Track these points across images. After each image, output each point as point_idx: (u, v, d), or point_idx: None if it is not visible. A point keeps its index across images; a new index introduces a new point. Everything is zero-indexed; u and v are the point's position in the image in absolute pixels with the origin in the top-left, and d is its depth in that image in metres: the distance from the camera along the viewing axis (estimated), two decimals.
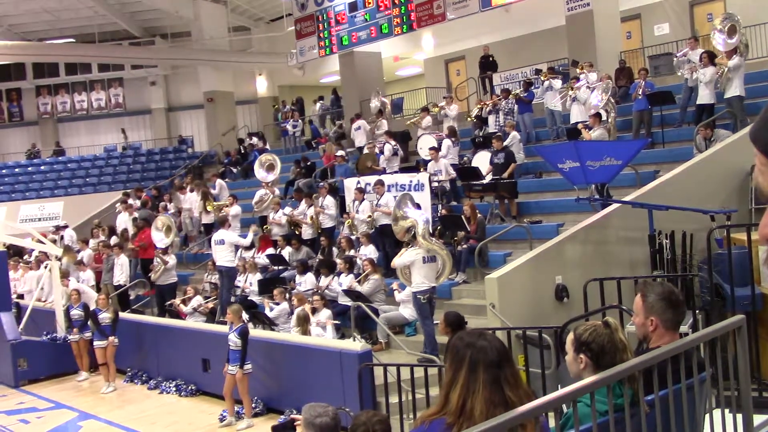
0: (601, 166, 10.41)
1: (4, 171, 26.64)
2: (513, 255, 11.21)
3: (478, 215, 11.98)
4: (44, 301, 14.82)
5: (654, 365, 2.93)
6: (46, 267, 14.84)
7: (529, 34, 20.18)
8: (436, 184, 13.68)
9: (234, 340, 9.25)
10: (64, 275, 14.38)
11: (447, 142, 15.02)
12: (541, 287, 9.79)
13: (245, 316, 9.97)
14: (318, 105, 24.92)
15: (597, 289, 8.87)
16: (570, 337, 3.12)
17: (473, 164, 14.18)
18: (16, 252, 17.57)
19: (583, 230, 10.29)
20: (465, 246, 11.57)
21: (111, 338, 11.85)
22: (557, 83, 15.32)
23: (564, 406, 2.81)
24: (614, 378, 2.79)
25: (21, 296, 15.98)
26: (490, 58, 19.92)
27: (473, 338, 2.64)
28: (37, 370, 12.97)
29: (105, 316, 11.94)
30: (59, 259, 14.40)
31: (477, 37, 20.94)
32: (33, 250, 16.47)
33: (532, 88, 16.42)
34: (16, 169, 26.75)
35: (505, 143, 13.81)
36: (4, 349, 12.93)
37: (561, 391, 2.63)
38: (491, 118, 16.02)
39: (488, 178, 13.45)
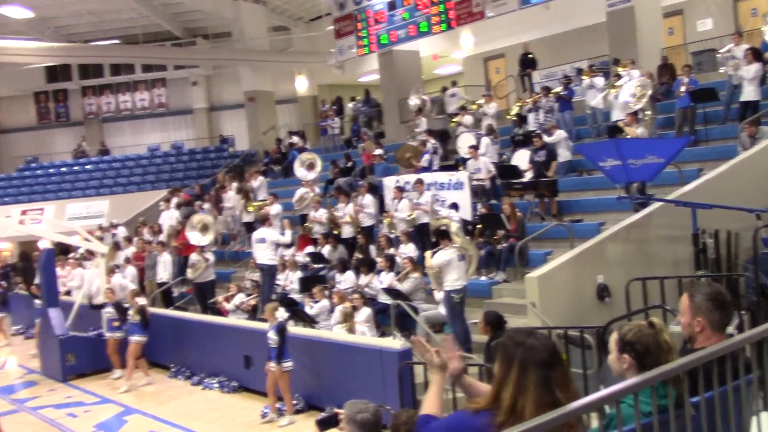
0: (643, 164, 10.29)
1: (51, 170, 27.28)
2: (553, 254, 11.14)
3: (518, 214, 11.93)
4: (90, 298, 15.14)
5: (699, 366, 2.91)
6: (95, 265, 15.13)
7: (569, 31, 20.00)
8: (475, 182, 13.65)
9: (272, 337, 9.40)
10: (110, 272, 14.69)
11: (486, 140, 14.98)
12: (582, 286, 9.72)
13: (283, 313, 10.08)
14: (351, 105, 25.02)
15: (639, 289, 8.79)
16: (614, 336, 3.11)
17: (513, 162, 14.12)
18: (63, 250, 17.98)
19: (624, 229, 10.19)
20: (505, 245, 11.53)
21: (134, 336, 12.12)
22: (599, 81, 15.16)
23: (607, 407, 2.81)
24: (658, 379, 2.77)
25: (68, 292, 16.35)
26: (530, 56, 19.79)
27: (523, 337, 2.64)
28: (84, 365, 13.26)
29: (131, 313, 12.20)
30: (104, 257, 14.69)
31: (516, 34, 20.81)
32: (79, 247, 16.83)
33: (572, 85, 16.27)
34: (63, 169, 27.36)
35: (550, 140, 13.72)
36: (53, 344, 13.25)
37: (604, 392, 2.63)
38: (531, 116, 15.93)
39: (528, 177, 13.38)
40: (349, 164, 18.36)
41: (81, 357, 13.25)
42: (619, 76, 14.30)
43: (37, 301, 15.63)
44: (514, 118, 16.62)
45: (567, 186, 13.46)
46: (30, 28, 26.20)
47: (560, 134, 14.04)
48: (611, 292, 9.66)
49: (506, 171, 13.79)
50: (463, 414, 2.67)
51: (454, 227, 10.09)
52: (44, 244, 14.71)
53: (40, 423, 10.65)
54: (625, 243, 10.20)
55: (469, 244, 10.27)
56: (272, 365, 9.45)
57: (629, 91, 13.31)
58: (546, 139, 13.77)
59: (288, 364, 9.44)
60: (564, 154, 13.89)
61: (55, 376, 13.24)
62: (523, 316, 9.71)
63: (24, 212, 23.37)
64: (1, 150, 30.64)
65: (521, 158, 13.99)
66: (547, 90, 15.90)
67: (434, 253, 10.07)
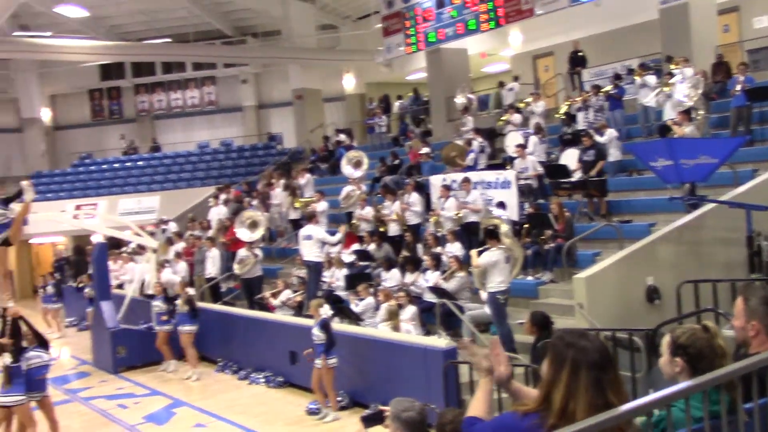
0: (696, 164, 10.09)
1: (104, 166, 27.88)
2: (602, 255, 10.98)
3: (566, 213, 11.79)
4: (141, 292, 15.45)
5: (754, 372, 2.84)
6: (146, 260, 15.42)
7: (621, 28, 19.66)
8: (522, 181, 13.54)
9: (317, 333, 9.48)
10: (161, 267, 14.97)
11: (534, 139, 14.85)
12: (632, 288, 9.58)
13: (327, 310, 10.14)
14: (398, 103, 25.02)
15: (691, 292, 8.62)
16: (667, 339, 3.05)
17: (561, 161, 13.97)
18: (115, 244, 18.37)
19: (676, 230, 10.00)
20: (552, 245, 11.41)
21: (185, 327, 12.32)
22: (651, 79, 14.89)
23: (656, 411, 2.76)
24: (711, 384, 2.72)
25: (120, 286, 16.70)
26: (580, 54, 19.54)
27: (574, 338, 2.60)
28: (134, 358, 13.54)
29: (179, 303, 12.40)
30: (155, 252, 14.97)
31: (566, 32, 20.56)
32: (131, 242, 17.17)
33: (623, 84, 16.01)
34: (116, 165, 27.93)
35: (602, 140, 13.53)
36: (105, 336, 13.57)
37: (655, 395, 2.59)
38: (580, 115, 15.74)
39: (577, 176, 13.22)
40: (396, 162, 18.36)
41: (131, 349, 13.54)
42: (671, 75, 14.03)
43: (87, 290, 16.03)
44: (563, 117, 16.43)
45: (617, 186, 13.26)
46: (85, 26, 26.84)
47: (611, 133, 13.84)
48: (661, 294, 9.49)
49: (554, 170, 13.65)
50: (510, 416, 2.65)
51: (505, 228, 10.02)
52: (97, 239, 15.03)
53: (91, 413, 10.91)
54: (676, 244, 10.01)
55: (517, 247, 10.18)
56: (317, 361, 9.53)
57: (683, 90, 13.06)
58: (598, 138, 13.59)
59: (332, 361, 9.51)
60: (614, 154, 13.69)
61: (107, 367, 13.55)
62: (570, 317, 9.60)
63: (78, 207, 23.92)
64: (57, 146, 31.44)
65: (570, 157, 13.84)
66: (597, 88, 15.68)
67: (481, 252, 10.02)
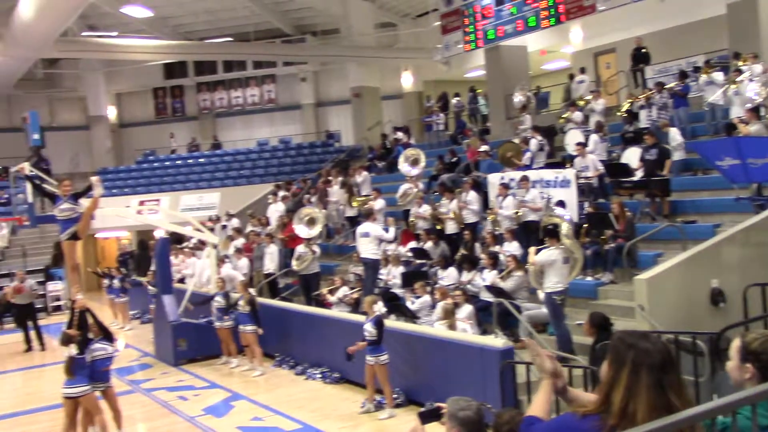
0: (765, 163, 9.78)
1: (167, 163, 28.52)
2: (664, 256, 10.74)
3: (627, 213, 11.57)
4: (201, 287, 15.75)
5: None
6: (207, 255, 15.71)
7: (686, 24, 19.18)
8: (582, 180, 13.33)
9: (369, 329, 9.51)
10: (221, 262, 15.23)
11: (594, 138, 14.61)
12: (695, 290, 9.35)
13: (381, 307, 10.18)
14: (455, 101, 24.90)
15: (758, 295, 8.38)
16: (736, 343, 2.96)
17: (623, 160, 13.69)
18: (177, 239, 18.78)
19: (743, 231, 9.73)
20: (612, 245, 11.21)
21: (243, 326, 12.49)
22: (719, 76, 14.48)
23: (720, 417, 2.69)
24: None
25: (182, 280, 17.06)
26: (643, 50, 19.13)
27: (636, 339, 2.56)
28: (195, 351, 13.81)
29: (241, 303, 12.56)
30: (215, 247, 15.23)
31: (628, 28, 20.14)
32: (192, 237, 17.52)
33: (689, 81, 15.61)
34: (178, 162, 28.54)
35: (669, 147, 13.16)
36: (166, 329, 13.88)
37: (721, 401, 2.53)
38: (643, 113, 15.41)
39: (639, 175, 12.95)
40: (454, 160, 18.30)
41: (192, 343, 13.81)
42: (739, 71, 13.62)
43: (151, 288, 16.42)
44: (625, 115, 16.11)
45: (680, 185, 12.93)
46: (150, 26, 27.48)
47: (675, 137, 13.46)
48: (726, 297, 9.23)
49: (615, 169, 13.40)
50: (569, 417, 2.62)
51: (565, 228, 9.89)
52: (160, 234, 15.38)
53: (153, 404, 11.17)
54: (743, 246, 9.73)
55: (577, 248, 10.04)
56: (369, 358, 9.58)
57: (753, 87, 12.68)
58: (672, 147, 13.13)
59: (384, 357, 9.53)
60: (678, 153, 13.34)
61: (168, 360, 13.86)
62: (630, 318, 9.43)
63: (141, 203, 24.50)
64: (122, 143, 32.28)
65: (631, 156, 13.56)
66: (660, 85, 15.32)
67: (539, 250, 9.92)
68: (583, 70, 20.68)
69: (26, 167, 11.95)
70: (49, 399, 11.33)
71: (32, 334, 16.30)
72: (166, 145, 30.85)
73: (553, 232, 9.88)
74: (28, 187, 15.08)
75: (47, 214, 18.34)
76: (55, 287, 21.90)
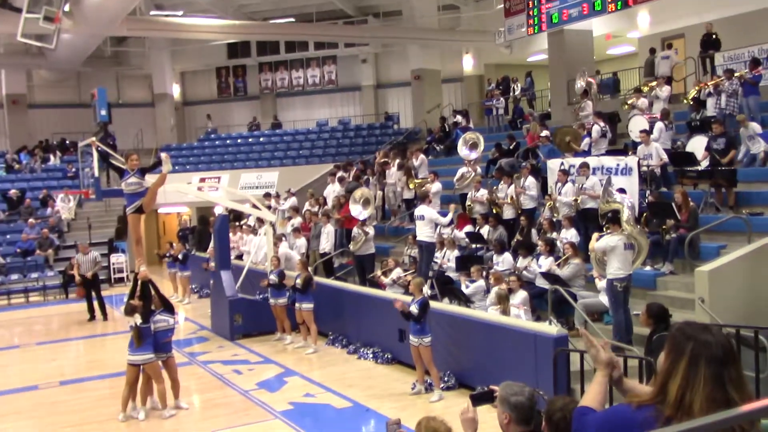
0: None
1: (228, 141, 28.96)
2: (728, 248, 10.46)
3: (691, 203, 11.29)
4: (257, 263, 16.00)
5: None
6: (264, 233, 15.94)
7: (760, 9, 18.49)
8: (645, 168, 13.05)
9: (414, 311, 9.53)
10: (277, 241, 15.43)
11: (659, 125, 14.26)
12: (759, 284, 9.09)
13: (427, 290, 10.18)
14: (514, 86, 24.63)
15: None
16: None
17: (688, 149, 13.36)
18: (236, 216, 19.08)
19: None
20: (674, 235, 10.97)
21: (299, 304, 12.63)
22: None
23: None
24: None
25: (240, 257, 17.35)
26: (713, 36, 18.54)
27: (696, 331, 2.51)
28: (250, 326, 14.05)
29: (298, 282, 12.70)
30: (273, 226, 15.44)
31: (698, 13, 19.55)
32: (250, 215, 17.78)
33: (761, 68, 15.07)
34: (239, 140, 28.95)
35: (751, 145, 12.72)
36: (223, 304, 14.15)
37: None
38: (710, 101, 14.96)
39: (704, 165, 12.61)
40: (513, 145, 18.11)
41: (247, 318, 14.06)
42: None
43: (211, 263, 16.73)
44: (691, 103, 15.68)
45: (747, 176, 12.53)
46: (215, 6, 27.82)
47: (755, 126, 12.99)
48: None
49: (680, 158, 13.07)
50: (624, 408, 2.58)
51: (626, 214, 9.72)
52: (219, 211, 15.65)
53: (208, 376, 11.43)
54: None
55: (640, 235, 9.86)
56: (413, 339, 9.63)
57: None
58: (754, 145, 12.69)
59: (427, 340, 9.55)
60: (756, 146, 12.85)
61: (224, 334, 14.15)
62: (689, 311, 9.23)
63: (202, 180, 24.98)
64: (185, 121, 32.89)
65: (697, 145, 13.21)
66: (730, 73, 14.84)
67: (601, 236, 9.78)
68: (669, 46, 20.05)
69: (94, 142, 12.29)
70: (110, 367, 11.71)
71: (95, 304, 16.80)
72: (228, 123, 31.32)
73: (614, 218, 9.72)
74: (95, 161, 15.48)
75: (113, 188, 18.87)
76: (118, 259, 22.52)
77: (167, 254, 19.61)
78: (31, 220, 22.81)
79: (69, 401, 10.53)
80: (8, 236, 22.70)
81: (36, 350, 14.50)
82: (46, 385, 11.38)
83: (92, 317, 16.74)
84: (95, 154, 14.62)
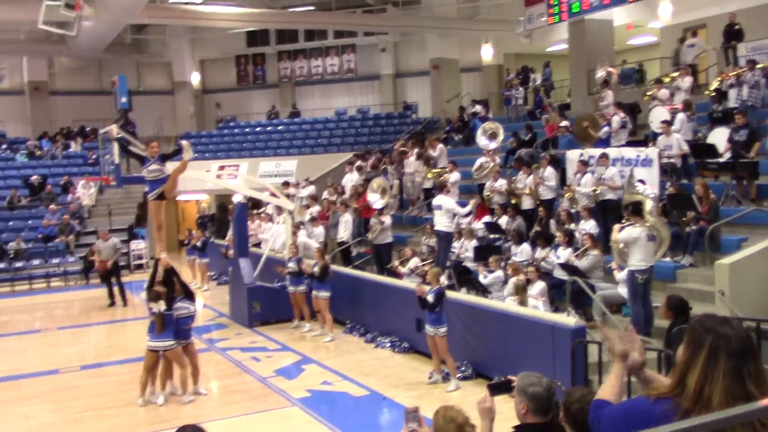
0: None
1: (246, 130, 29.05)
2: (749, 241, 10.38)
3: (711, 196, 11.20)
4: (275, 251, 16.07)
5: None
6: (282, 221, 16.00)
7: None
8: (665, 160, 12.96)
9: (430, 300, 9.54)
10: (296, 229, 15.49)
11: (681, 116, 14.14)
12: None
13: (444, 280, 10.18)
14: (533, 77, 24.50)
15: None
16: None
17: (709, 141, 13.24)
18: (255, 204, 19.16)
19: None
20: (694, 227, 10.90)
21: (316, 292, 12.67)
22: None
23: None
24: None
25: (258, 245, 17.43)
26: (736, 27, 18.32)
27: (715, 324, 2.50)
28: (268, 314, 14.14)
29: (315, 270, 12.75)
30: (291, 214, 15.49)
31: (720, 3, 19.32)
32: (269, 203, 17.85)
33: None
34: (257, 129, 29.03)
35: None
36: (242, 292, 14.25)
37: None
38: (732, 92, 14.81)
39: (726, 157, 12.50)
40: (528, 137, 18.03)
41: (266, 306, 14.14)
42: None
43: (230, 251, 16.82)
44: (713, 94, 15.52)
45: None
46: None
47: None
48: None
49: (701, 149, 12.96)
50: (642, 400, 2.58)
51: (649, 205, 9.68)
52: (238, 199, 15.73)
53: (227, 363, 11.53)
54: None
55: (662, 226, 9.82)
56: (429, 329, 9.64)
57: None
58: None
59: (443, 330, 9.56)
60: None
61: (242, 321, 14.25)
62: (709, 303, 9.19)
63: (221, 167, 25.08)
64: (204, 109, 33.01)
65: (719, 136, 13.08)
66: (753, 64, 14.68)
67: (622, 227, 9.73)
68: (694, 34, 19.83)
69: (114, 129, 12.37)
70: (130, 352, 11.84)
71: (115, 290, 16.96)
72: (247, 111, 31.39)
73: (636, 210, 9.67)
74: (116, 148, 15.61)
75: (133, 175, 19.00)
76: (138, 246, 22.70)
77: (186, 241, 19.73)
78: (52, 206, 23.04)
79: (89, 385, 10.67)
80: (30, 222, 22.93)
81: (57, 335, 14.70)
82: (66, 370, 11.54)
83: (112, 303, 16.91)
84: (115, 141, 14.72)
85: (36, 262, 21.27)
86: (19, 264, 21.01)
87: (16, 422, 8.73)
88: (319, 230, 16.27)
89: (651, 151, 12.68)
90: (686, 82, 15.93)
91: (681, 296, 7.79)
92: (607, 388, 2.85)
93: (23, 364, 12.08)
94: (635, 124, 16.26)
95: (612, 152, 13.19)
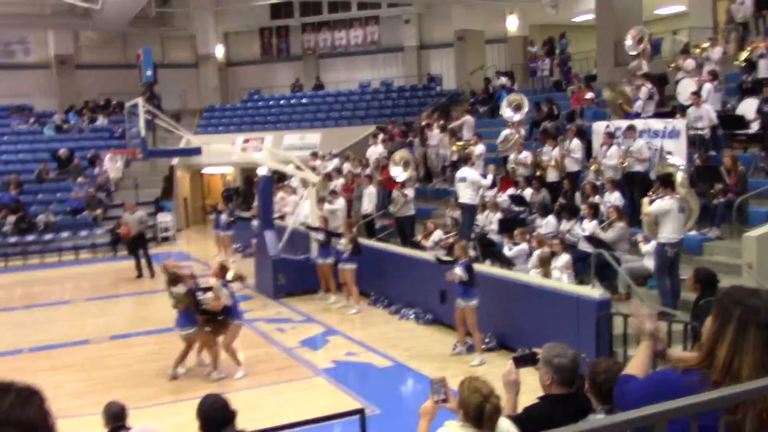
0: None
1: (271, 102, 29.06)
2: None
3: (740, 167, 11.06)
4: (299, 225, 16.13)
5: None
6: (307, 194, 16.04)
7: None
8: (693, 131, 12.78)
9: (458, 273, 9.54)
10: (320, 201, 15.55)
11: (708, 87, 13.89)
12: None
13: (472, 252, 10.17)
14: (559, 46, 24.18)
15: None
16: None
17: (738, 112, 13.03)
18: (280, 177, 19.21)
19: None
20: (722, 199, 10.77)
21: (342, 264, 12.73)
22: None
23: None
24: None
25: (283, 217, 17.52)
26: None
27: (744, 296, 2.48)
28: (293, 286, 14.25)
29: (343, 242, 12.78)
30: (315, 186, 15.52)
31: None
32: (293, 176, 17.89)
33: None
34: (281, 102, 29.03)
35: None
36: (267, 264, 14.36)
37: None
38: (763, 62, 14.51)
39: (755, 128, 12.30)
40: (549, 109, 17.81)
41: (290, 278, 14.25)
42: None
43: (254, 223, 16.94)
44: (743, 64, 15.23)
45: None
46: None
47: None
48: None
49: (730, 121, 12.77)
50: (669, 372, 2.57)
51: (680, 177, 9.58)
52: (263, 171, 15.78)
53: (253, 334, 11.64)
54: None
55: (692, 197, 9.72)
56: (460, 302, 9.65)
57: None
58: None
59: (474, 302, 9.56)
60: None
61: (267, 293, 14.38)
62: (736, 276, 9.09)
63: (246, 140, 25.16)
64: (229, 82, 33.04)
65: (748, 108, 12.87)
66: None
67: (652, 200, 9.64)
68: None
69: (140, 102, 12.42)
70: (157, 323, 11.99)
71: (142, 262, 17.16)
72: (272, 84, 31.38)
73: (666, 182, 9.57)
74: (141, 121, 15.66)
75: (159, 148, 19.13)
76: (164, 218, 22.92)
77: (214, 210, 19.86)
78: (80, 179, 23.31)
79: (118, 355, 10.86)
80: (58, 195, 23.24)
81: (86, 306, 14.95)
82: (96, 340, 11.75)
83: (139, 275, 17.12)
84: (141, 115, 14.79)
85: (65, 234, 21.59)
86: (48, 236, 21.34)
87: (49, 391, 8.76)
88: (343, 203, 16.20)
89: (678, 123, 12.52)
90: (716, 52, 15.63)
91: (709, 269, 7.71)
92: (635, 365, 2.84)
93: (54, 334, 12.32)
94: (662, 95, 16.02)
95: (639, 124, 13.03)
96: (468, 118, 18.55)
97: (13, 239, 20.96)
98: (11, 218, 21.16)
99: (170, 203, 24.04)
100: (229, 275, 9.70)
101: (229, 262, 18.36)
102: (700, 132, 12.86)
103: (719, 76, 14.50)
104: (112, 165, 22.66)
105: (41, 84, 29.64)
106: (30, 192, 23.10)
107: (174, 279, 9.40)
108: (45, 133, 26.51)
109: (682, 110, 13.60)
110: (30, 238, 21.16)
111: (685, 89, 14.10)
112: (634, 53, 17.31)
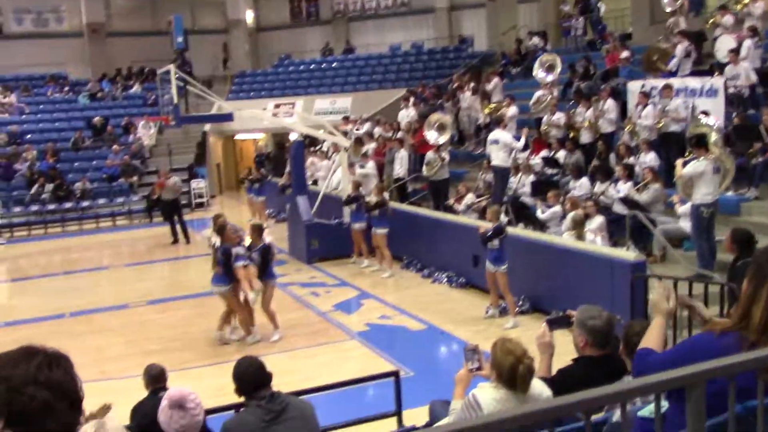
0: None
1: (301, 67, 28.97)
2: None
3: None
4: (331, 189, 16.18)
5: None
6: (338, 158, 16.05)
7: None
8: (732, 89, 12.48)
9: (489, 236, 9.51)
10: (351, 165, 15.54)
11: (748, 43, 13.50)
12: None
13: (504, 217, 10.12)
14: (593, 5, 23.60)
15: None
16: None
17: None
18: (311, 142, 19.24)
19: None
20: (760, 159, 10.55)
21: (374, 228, 12.76)
22: None
23: None
24: None
25: (315, 182, 17.58)
26: None
27: None
28: (326, 250, 14.33)
29: (373, 206, 12.80)
30: (347, 151, 15.51)
31: None
32: (325, 141, 17.91)
33: None
34: (312, 66, 28.93)
35: None
36: (300, 229, 14.46)
37: None
38: None
39: None
40: (586, 68, 17.48)
41: (323, 242, 14.33)
42: None
43: (288, 189, 17.00)
44: None
45: None
46: None
47: None
48: None
49: None
50: (706, 335, 2.55)
51: (714, 137, 9.39)
52: (294, 136, 15.81)
53: (288, 298, 11.79)
54: None
55: (727, 158, 9.54)
56: (489, 266, 9.64)
57: None
58: None
59: (503, 267, 9.54)
60: None
61: (301, 257, 14.50)
62: None
63: (277, 106, 25.18)
64: (259, 47, 33.00)
65: None
66: None
67: (686, 162, 9.48)
68: None
69: (172, 69, 12.48)
70: (194, 287, 12.19)
71: (178, 228, 17.38)
72: (302, 49, 31.27)
73: (700, 142, 9.39)
74: (174, 88, 15.76)
75: (191, 114, 19.25)
76: (198, 185, 23.15)
77: (247, 178, 20.00)
78: (115, 146, 23.58)
79: (156, 319, 11.09)
80: (94, 162, 23.56)
81: (124, 271, 15.23)
82: (135, 304, 11.99)
83: (175, 240, 17.35)
84: (173, 82, 14.87)
85: (101, 201, 21.94)
86: (85, 203, 21.71)
87: (90, 354, 9.11)
88: (370, 165, 16.05)
89: (716, 81, 12.24)
90: (758, 7, 15.16)
91: (747, 229, 7.59)
92: (651, 339, 2.83)
93: (94, 299, 12.60)
94: (700, 53, 15.63)
95: (675, 83, 12.77)
96: (496, 80, 18.31)
97: (51, 206, 21.35)
98: (49, 186, 21.54)
99: (203, 169, 24.23)
100: (267, 238, 9.75)
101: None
102: (738, 90, 12.56)
103: (760, 32, 14.09)
104: (145, 132, 22.91)
105: (75, 52, 29.89)
106: (66, 160, 23.45)
107: (219, 229, 9.48)
108: (80, 102, 26.81)
109: (720, 68, 13.29)
110: (68, 205, 21.55)
111: (723, 46, 13.76)
112: (670, 9, 16.88)
